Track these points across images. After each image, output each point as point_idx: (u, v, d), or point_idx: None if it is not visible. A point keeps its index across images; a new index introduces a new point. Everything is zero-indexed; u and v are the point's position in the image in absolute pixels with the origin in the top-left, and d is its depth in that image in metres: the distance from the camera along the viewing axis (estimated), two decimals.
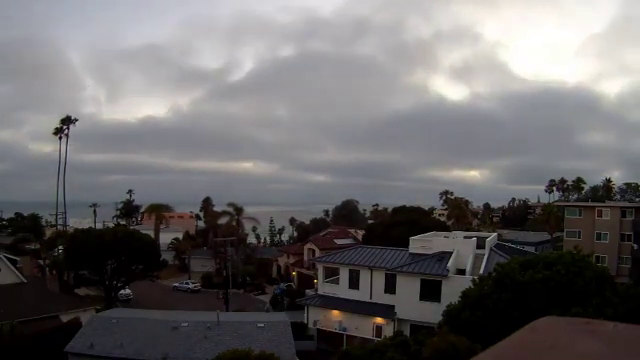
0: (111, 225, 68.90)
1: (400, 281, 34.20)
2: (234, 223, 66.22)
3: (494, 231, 58.88)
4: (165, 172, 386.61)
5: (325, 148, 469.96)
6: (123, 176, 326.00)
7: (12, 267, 36.20)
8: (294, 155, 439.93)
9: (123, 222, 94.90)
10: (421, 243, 37.74)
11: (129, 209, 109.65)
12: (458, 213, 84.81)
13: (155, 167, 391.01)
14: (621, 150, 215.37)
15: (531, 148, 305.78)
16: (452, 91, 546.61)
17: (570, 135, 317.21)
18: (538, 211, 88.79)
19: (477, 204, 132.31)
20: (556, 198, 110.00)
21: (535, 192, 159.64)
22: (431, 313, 29.38)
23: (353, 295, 37.16)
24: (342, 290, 37.95)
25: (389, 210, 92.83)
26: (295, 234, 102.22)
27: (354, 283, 37.56)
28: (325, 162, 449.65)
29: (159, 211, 75.73)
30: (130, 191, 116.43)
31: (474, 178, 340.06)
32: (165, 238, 70.35)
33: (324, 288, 39.29)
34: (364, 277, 37.03)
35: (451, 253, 34.31)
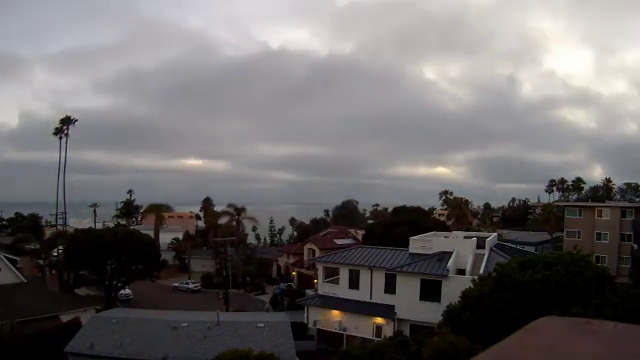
0: (111, 225, 68.74)
1: (400, 281, 34.18)
2: (234, 223, 66.22)
3: (494, 231, 58.83)
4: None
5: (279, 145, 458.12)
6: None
7: (12, 267, 36.19)
8: (249, 153, 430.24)
9: (123, 222, 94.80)
10: (421, 243, 37.73)
11: (129, 209, 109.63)
12: (458, 213, 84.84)
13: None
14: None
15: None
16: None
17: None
18: (538, 211, 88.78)
19: (477, 204, 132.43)
20: (556, 198, 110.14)
21: (534, 192, 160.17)
22: (431, 313, 29.37)
23: (353, 295, 37.14)
24: (342, 290, 37.94)
25: (389, 210, 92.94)
26: (295, 234, 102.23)
27: (354, 283, 37.54)
28: (281, 159, 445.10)
29: (159, 211, 75.86)
30: (130, 191, 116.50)
31: (444, 174, 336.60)
32: (165, 238, 70.37)
33: (324, 288, 39.28)
34: (364, 277, 37.01)
35: (451, 253, 34.30)
